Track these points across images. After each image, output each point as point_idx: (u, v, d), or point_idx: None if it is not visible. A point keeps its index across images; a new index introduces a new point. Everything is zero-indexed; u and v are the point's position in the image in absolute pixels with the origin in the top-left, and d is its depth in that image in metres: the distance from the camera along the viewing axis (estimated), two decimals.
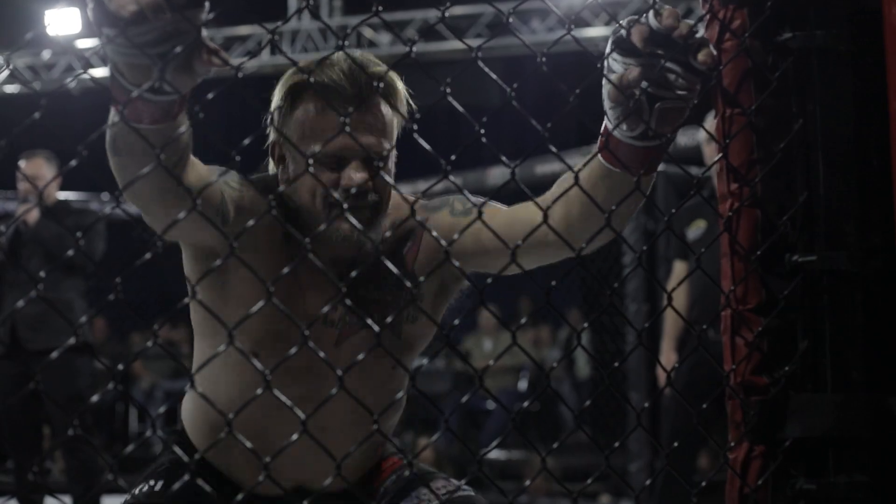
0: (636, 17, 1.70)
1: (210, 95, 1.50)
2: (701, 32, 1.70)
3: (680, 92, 1.71)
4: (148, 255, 1.36)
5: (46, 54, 10.48)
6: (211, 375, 2.05)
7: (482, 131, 1.71)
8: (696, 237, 5.17)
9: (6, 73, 10.16)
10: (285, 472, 1.97)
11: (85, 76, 8.24)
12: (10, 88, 10.71)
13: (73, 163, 1.34)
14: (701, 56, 1.67)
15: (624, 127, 1.75)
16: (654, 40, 1.67)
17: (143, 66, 1.51)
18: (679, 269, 5.47)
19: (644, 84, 1.71)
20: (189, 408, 2.22)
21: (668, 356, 5.37)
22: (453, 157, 1.69)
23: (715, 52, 1.72)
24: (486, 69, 1.70)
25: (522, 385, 10.26)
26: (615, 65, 1.72)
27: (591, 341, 8.83)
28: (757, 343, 1.76)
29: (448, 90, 1.61)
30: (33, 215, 5.65)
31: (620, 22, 1.71)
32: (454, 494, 2.14)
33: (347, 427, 2.03)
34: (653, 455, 6.95)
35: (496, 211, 2.04)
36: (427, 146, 1.77)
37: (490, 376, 10.03)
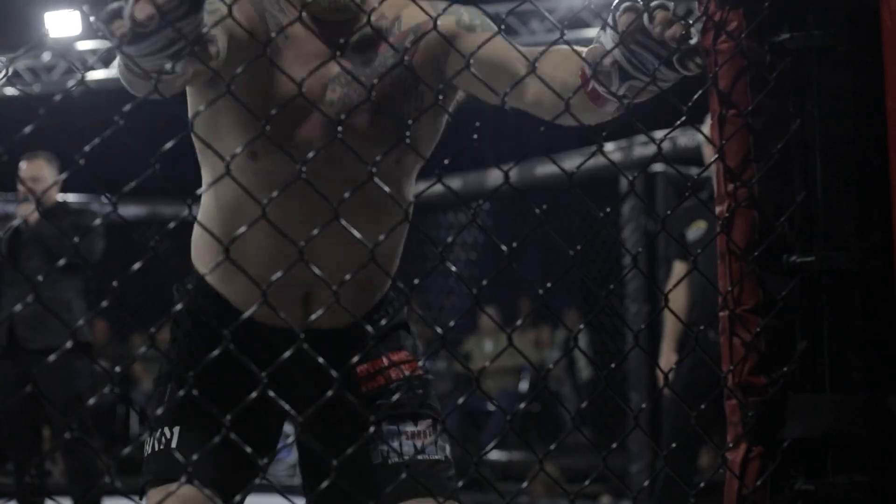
0: (633, 5, 1.70)
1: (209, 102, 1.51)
2: (696, 39, 1.69)
3: (657, 83, 1.71)
4: (139, 265, 1.36)
5: (47, 56, 10.47)
6: (213, 186, 2.03)
7: (477, 135, 1.71)
8: (696, 238, 5.17)
9: (6, 76, 10.17)
10: (289, 276, 1.91)
11: (86, 78, 8.22)
12: (11, 90, 10.70)
13: (65, 174, 1.34)
14: (691, 64, 1.67)
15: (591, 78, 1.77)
16: (642, 33, 1.68)
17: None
18: (679, 269, 5.46)
19: (620, 58, 1.71)
20: (197, 234, 2.17)
21: (667, 357, 5.37)
22: (446, 162, 1.69)
23: (701, 63, 1.71)
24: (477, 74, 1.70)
25: (523, 386, 10.25)
26: (606, 30, 1.73)
27: (591, 342, 8.83)
28: (755, 344, 1.75)
29: (441, 95, 1.60)
30: (33, 215, 5.66)
31: (617, 3, 1.71)
32: (421, 455, 2.07)
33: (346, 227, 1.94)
34: (653, 456, 6.95)
35: (494, 46, 2.01)
36: (421, 153, 1.77)
37: (491, 377, 10.03)
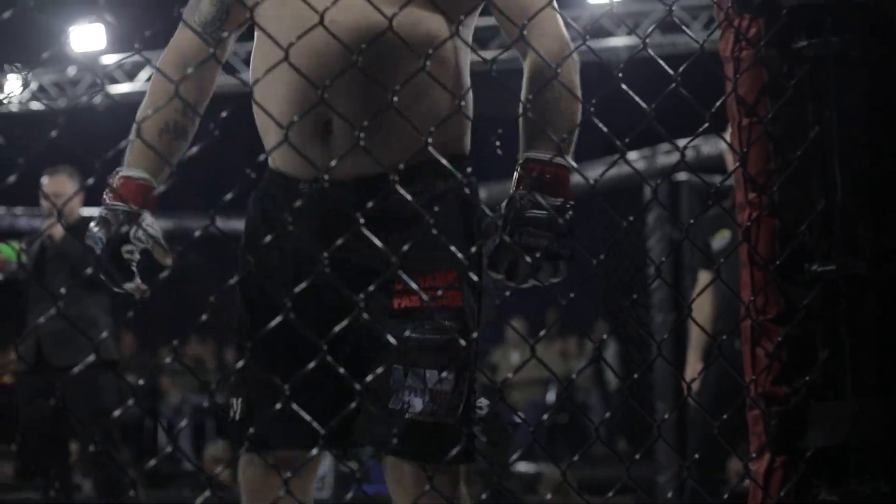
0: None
1: (224, 113, 1.51)
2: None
3: None
4: (164, 274, 1.36)
5: (72, 70, 10.53)
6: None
7: (499, 143, 1.71)
8: (720, 247, 5.14)
9: (29, 90, 10.22)
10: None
11: (106, 92, 8.26)
12: (36, 105, 10.76)
13: (91, 180, 1.35)
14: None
15: None
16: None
17: None
18: (704, 278, 5.43)
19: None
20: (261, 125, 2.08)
21: (693, 367, 5.34)
22: (469, 170, 1.70)
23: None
24: (502, 81, 1.71)
25: (550, 397, 10.23)
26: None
27: (619, 352, 8.80)
28: (777, 353, 1.75)
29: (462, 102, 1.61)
30: (58, 231, 5.67)
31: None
32: (434, 417, 1.98)
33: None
34: (680, 466, 6.92)
35: None
36: (443, 160, 1.77)
37: (518, 389, 10.01)
